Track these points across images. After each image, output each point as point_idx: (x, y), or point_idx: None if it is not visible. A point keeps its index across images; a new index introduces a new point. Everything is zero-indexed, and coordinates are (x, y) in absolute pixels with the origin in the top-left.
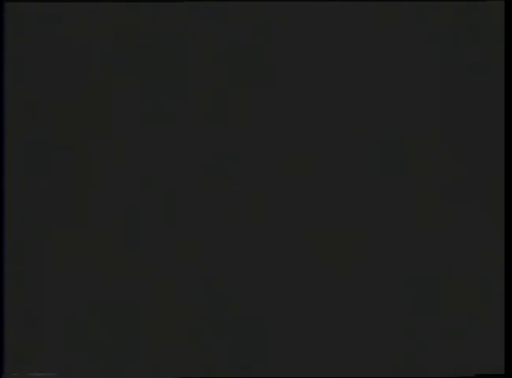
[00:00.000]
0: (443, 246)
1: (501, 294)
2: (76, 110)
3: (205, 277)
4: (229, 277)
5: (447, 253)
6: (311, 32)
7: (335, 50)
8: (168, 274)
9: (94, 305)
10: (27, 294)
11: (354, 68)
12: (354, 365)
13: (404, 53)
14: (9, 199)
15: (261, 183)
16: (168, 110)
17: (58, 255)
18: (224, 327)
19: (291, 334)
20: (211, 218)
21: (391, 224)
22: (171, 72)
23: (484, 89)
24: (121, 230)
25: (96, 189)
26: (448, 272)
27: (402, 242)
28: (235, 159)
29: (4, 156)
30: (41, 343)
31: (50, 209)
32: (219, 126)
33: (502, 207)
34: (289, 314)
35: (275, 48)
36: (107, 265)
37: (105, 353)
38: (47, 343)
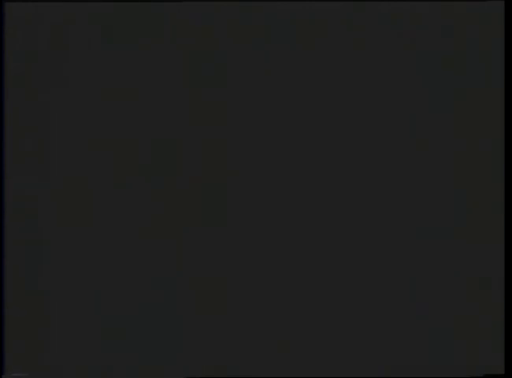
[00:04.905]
0: (443, 246)
1: (501, 294)
2: (76, 108)
3: (204, 276)
4: (229, 277)
5: (447, 252)
6: (309, 32)
7: (333, 49)
8: (168, 273)
9: (94, 303)
10: (27, 294)
11: (353, 68)
12: (353, 364)
13: (403, 53)
14: (8, 196)
15: (258, 181)
16: (165, 107)
17: (58, 253)
18: (223, 327)
19: (291, 334)
20: (209, 217)
21: (390, 224)
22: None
23: (484, 89)
24: (121, 228)
25: (97, 185)
26: (448, 271)
27: (401, 242)
28: (235, 156)
29: (4, 156)
30: (41, 343)
31: (50, 206)
32: (218, 125)
33: (502, 206)
34: (289, 313)
35: (273, 47)
36: (107, 264)
37: (105, 353)
38: (47, 343)
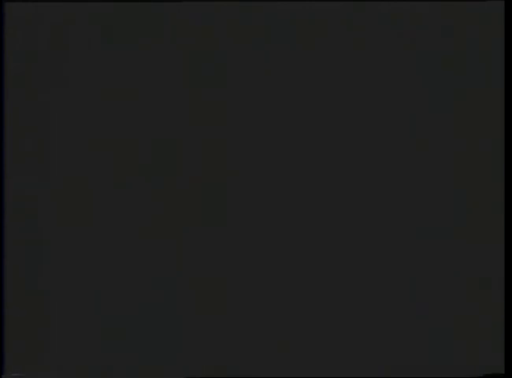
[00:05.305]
0: (443, 246)
1: (501, 294)
2: (76, 108)
3: (204, 276)
4: (229, 277)
5: (448, 252)
6: (309, 31)
7: (333, 50)
8: (168, 273)
9: (94, 303)
10: (27, 294)
11: (353, 68)
12: (354, 364)
13: (403, 53)
14: (8, 196)
15: (258, 181)
16: (165, 107)
17: (58, 253)
18: (223, 327)
19: (291, 334)
20: (209, 217)
21: (390, 224)
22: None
23: (484, 89)
24: (121, 228)
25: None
26: (448, 271)
27: (401, 242)
28: (235, 156)
29: (4, 156)
30: (41, 343)
31: (50, 206)
32: (219, 126)
33: (502, 206)
34: (289, 313)
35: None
36: (107, 264)
37: (105, 353)
38: (47, 343)
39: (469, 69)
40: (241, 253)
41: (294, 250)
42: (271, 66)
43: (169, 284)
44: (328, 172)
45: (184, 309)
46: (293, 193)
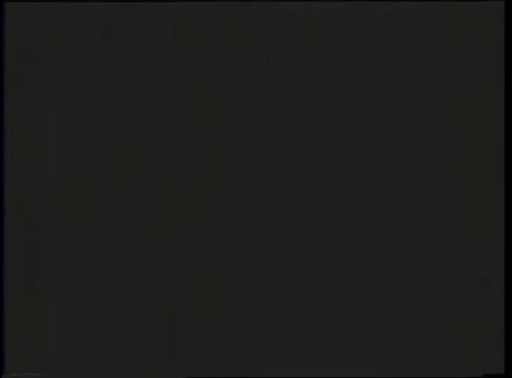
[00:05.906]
0: (443, 246)
1: (501, 294)
2: (76, 108)
3: (204, 276)
4: (229, 277)
5: (448, 252)
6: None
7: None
8: (168, 273)
9: (94, 303)
10: (27, 294)
11: (353, 68)
12: (354, 364)
13: (403, 53)
14: (8, 196)
15: (258, 181)
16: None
17: (58, 253)
18: (223, 327)
19: (291, 334)
20: (209, 217)
21: (391, 224)
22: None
23: (484, 89)
24: (121, 228)
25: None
26: (448, 271)
27: (401, 242)
28: (235, 156)
29: (4, 156)
30: (41, 343)
31: (50, 206)
32: (218, 126)
33: (502, 206)
34: (289, 313)
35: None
36: (107, 264)
37: (105, 353)
38: (47, 343)
39: (469, 69)
40: (241, 253)
41: (294, 250)
42: (271, 66)
43: (169, 284)
44: (328, 172)
45: (184, 309)
46: (293, 193)
